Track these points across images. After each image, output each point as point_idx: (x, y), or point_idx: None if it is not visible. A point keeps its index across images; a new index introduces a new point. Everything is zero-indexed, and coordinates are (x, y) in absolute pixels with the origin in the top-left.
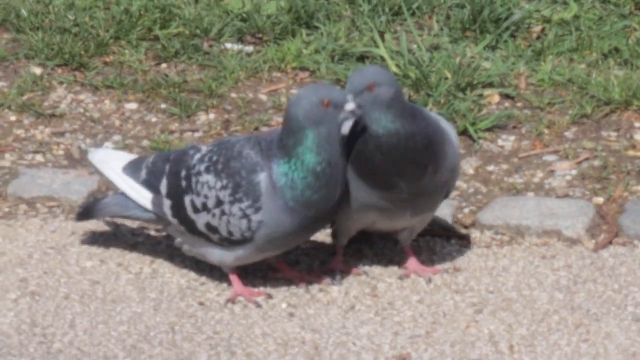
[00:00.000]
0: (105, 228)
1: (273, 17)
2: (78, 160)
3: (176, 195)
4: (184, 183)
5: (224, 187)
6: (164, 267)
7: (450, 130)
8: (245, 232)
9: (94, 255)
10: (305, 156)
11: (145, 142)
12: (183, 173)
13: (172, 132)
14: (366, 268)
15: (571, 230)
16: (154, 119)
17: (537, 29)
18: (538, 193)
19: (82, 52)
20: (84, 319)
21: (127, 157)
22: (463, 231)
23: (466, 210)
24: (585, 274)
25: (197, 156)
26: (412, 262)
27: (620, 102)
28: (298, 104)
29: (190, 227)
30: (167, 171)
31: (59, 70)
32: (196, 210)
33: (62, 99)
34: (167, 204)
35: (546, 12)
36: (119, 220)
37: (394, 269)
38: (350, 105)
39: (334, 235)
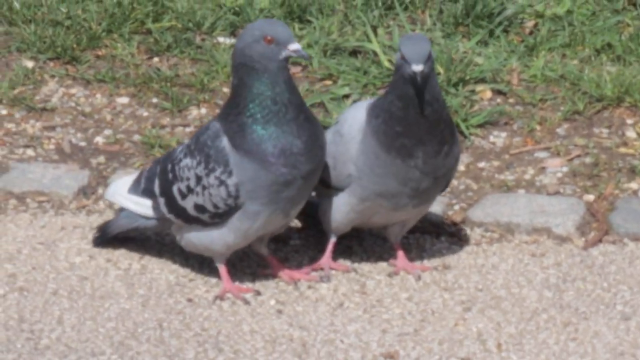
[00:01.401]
0: (95, 224)
1: (266, 10)
2: (69, 155)
3: (167, 189)
4: (170, 175)
5: (199, 163)
6: (153, 264)
7: None
8: (227, 200)
9: (83, 251)
10: (255, 91)
11: (136, 137)
12: (169, 167)
13: (163, 126)
14: (355, 265)
15: (561, 228)
16: (145, 114)
17: (530, 24)
18: (529, 190)
19: (74, 46)
20: (72, 315)
21: (131, 179)
22: (453, 228)
23: (456, 207)
24: (574, 272)
25: (179, 148)
26: (402, 260)
27: (613, 99)
28: (241, 39)
29: (184, 216)
30: (159, 171)
31: (51, 64)
32: (183, 196)
33: (53, 93)
34: (162, 202)
35: (539, 7)
36: (109, 216)
37: (383, 266)
38: (294, 46)
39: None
